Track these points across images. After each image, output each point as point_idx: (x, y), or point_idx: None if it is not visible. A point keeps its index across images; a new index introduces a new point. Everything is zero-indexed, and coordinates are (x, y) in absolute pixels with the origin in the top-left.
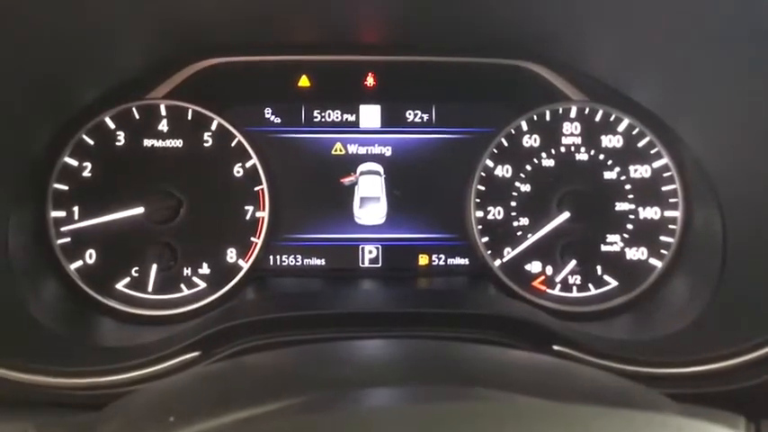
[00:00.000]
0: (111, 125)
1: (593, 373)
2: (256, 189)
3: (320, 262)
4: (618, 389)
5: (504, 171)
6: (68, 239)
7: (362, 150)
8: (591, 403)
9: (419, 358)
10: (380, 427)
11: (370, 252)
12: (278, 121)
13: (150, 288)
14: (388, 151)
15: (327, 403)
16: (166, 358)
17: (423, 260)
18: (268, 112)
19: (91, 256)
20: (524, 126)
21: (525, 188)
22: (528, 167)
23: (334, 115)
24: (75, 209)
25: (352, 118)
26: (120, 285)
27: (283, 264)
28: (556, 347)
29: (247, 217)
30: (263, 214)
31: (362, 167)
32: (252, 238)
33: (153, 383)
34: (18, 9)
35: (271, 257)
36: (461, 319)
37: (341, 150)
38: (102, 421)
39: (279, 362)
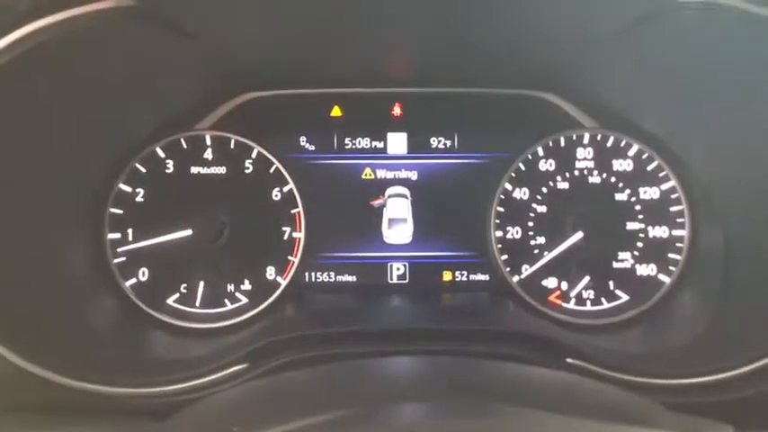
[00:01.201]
0: (162, 154)
1: (597, 387)
2: (293, 211)
3: (352, 278)
4: (617, 402)
5: (521, 193)
6: (124, 259)
7: (390, 175)
8: (591, 417)
9: (446, 376)
10: None
11: (398, 269)
12: (312, 148)
13: (197, 303)
14: (414, 175)
15: (367, 417)
16: (217, 370)
17: (446, 276)
18: (303, 141)
19: (144, 274)
20: (541, 152)
21: (542, 209)
22: (544, 190)
23: (364, 142)
24: (130, 231)
25: (380, 145)
26: (170, 301)
27: (318, 280)
28: (569, 360)
29: (285, 237)
30: (300, 235)
31: (390, 191)
32: (289, 257)
33: (212, 396)
34: (80, 59)
35: (306, 274)
36: (483, 334)
37: (370, 175)
38: (172, 429)
39: (321, 378)
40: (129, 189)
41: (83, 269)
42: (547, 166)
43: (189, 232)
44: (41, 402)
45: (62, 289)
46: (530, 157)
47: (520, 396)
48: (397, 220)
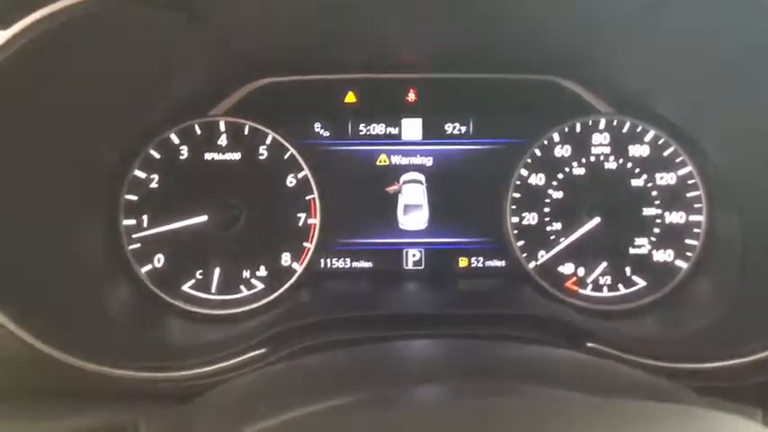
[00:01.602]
0: (176, 140)
1: (624, 369)
2: (308, 198)
3: (367, 265)
4: (648, 384)
5: (537, 179)
6: (139, 245)
7: (405, 161)
8: (627, 398)
9: (466, 357)
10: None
11: (414, 255)
12: (327, 134)
13: (213, 289)
14: (429, 161)
15: (391, 399)
16: (237, 354)
17: (462, 263)
18: (317, 127)
19: (159, 261)
20: (556, 137)
21: (558, 195)
22: (560, 176)
23: (379, 128)
24: (145, 217)
25: (395, 131)
26: (185, 287)
27: (333, 266)
28: (590, 344)
29: (300, 224)
30: (315, 221)
31: (405, 177)
32: (305, 243)
33: (235, 380)
34: (92, 44)
35: (322, 261)
36: (501, 319)
37: (385, 161)
38: (199, 411)
39: (343, 361)
40: (143, 175)
41: (100, 255)
42: (563, 151)
43: (204, 218)
44: (60, 386)
45: (80, 274)
46: (545, 142)
47: (542, 376)
48: (413, 207)
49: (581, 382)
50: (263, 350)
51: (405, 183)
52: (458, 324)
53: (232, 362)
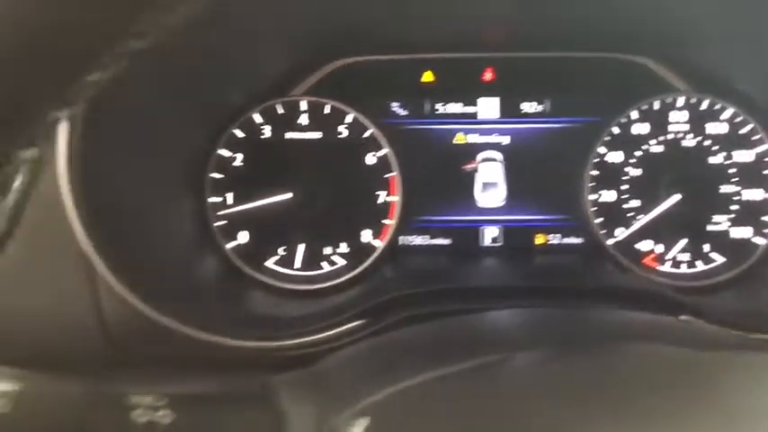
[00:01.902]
0: (258, 120)
1: (719, 330)
2: (387, 176)
3: (446, 241)
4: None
5: (615, 157)
6: (225, 222)
7: (482, 140)
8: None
9: (563, 323)
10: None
11: (491, 232)
12: (404, 113)
13: (296, 265)
14: (506, 140)
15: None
16: (335, 325)
17: (539, 239)
18: (395, 106)
19: (244, 237)
20: (634, 115)
21: (636, 173)
22: (638, 153)
23: (455, 107)
24: (230, 195)
25: (471, 110)
26: (269, 263)
27: (413, 243)
28: (683, 317)
29: (379, 201)
30: (396, 198)
31: (482, 155)
32: (385, 221)
33: (363, 342)
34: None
35: (402, 238)
36: (583, 292)
37: (462, 140)
38: (327, 373)
39: (452, 329)
40: (227, 154)
41: (191, 232)
42: (641, 129)
43: (286, 196)
44: (168, 354)
45: (177, 248)
46: (623, 120)
47: (642, 336)
48: (490, 184)
49: (681, 339)
50: (363, 321)
51: (482, 161)
52: (545, 297)
53: (333, 332)
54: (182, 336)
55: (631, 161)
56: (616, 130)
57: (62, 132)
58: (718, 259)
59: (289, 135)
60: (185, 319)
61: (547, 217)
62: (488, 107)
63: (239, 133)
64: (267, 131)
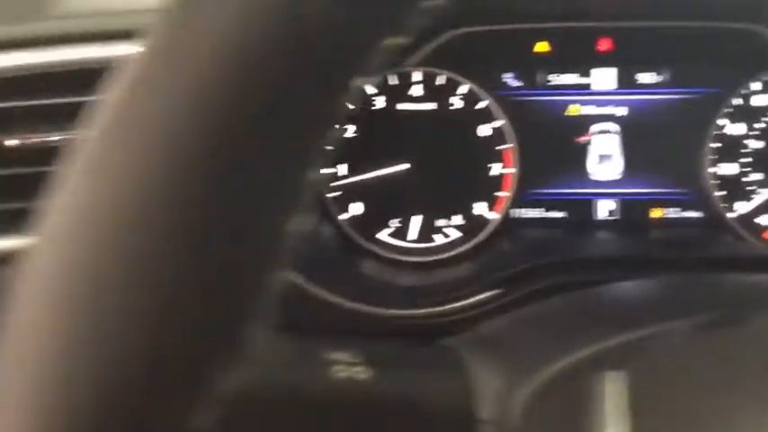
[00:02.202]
0: (371, 91)
1: None
2: (501, 147)
3: (561, 214)
4: None
5: (736, 129)
6: (339, 193)
7: (597, 111)
8: None
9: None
10: None
11: (607, 206)
12: (518, 84)
13: (409, 237)
14: (622, 111)
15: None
16: (473, 294)
17: (655, 213)
18: (508, 77)
19: (357, 208)
20: (756, 86)
21: (758, 145)
22: (760, 126)
23: (569, 78)
24: (342, 167)
25: (585, 80)
26: (382, 235)
27: (528, 216)
28: None
29: (492, 173)
30: (511, 170)
31: (597, 127)
32: (498, 193)
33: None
34: None
35: (517, 210)
36: (706, 262)
37: (577, 111)
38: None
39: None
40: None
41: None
42: (762, 100)
43: (400, 168)
44: (317, 322)
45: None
46: (744, 91)
47: None
48: (605, 157)
49: None
50: (501, 290)
51: (596, 133)
52: (662, 268)
53: (470, 301)
54: (333, 305)
55: (752, 133)
56: (737, 101)
57: None
58: None
59: (401, 106)
60: (334, 289)
61: (665, 190)
62: (603, 78)
63: (351, 105)
64: (380, 102)
